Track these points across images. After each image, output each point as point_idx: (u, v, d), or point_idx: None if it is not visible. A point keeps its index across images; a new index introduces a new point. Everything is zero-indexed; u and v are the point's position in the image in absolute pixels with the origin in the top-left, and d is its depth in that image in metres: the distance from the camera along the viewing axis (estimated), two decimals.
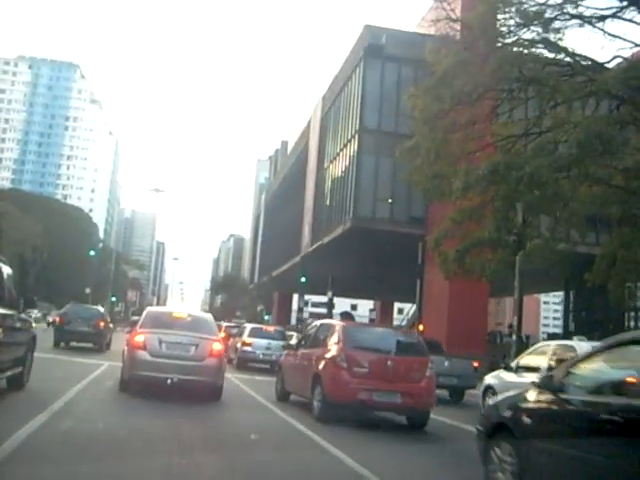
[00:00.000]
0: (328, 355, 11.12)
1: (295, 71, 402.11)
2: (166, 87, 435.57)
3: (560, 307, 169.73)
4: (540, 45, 18.95)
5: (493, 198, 19.25)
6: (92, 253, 60.03)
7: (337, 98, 41.73)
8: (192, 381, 11.87)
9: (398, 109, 35.51)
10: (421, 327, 28.06)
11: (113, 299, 63.42)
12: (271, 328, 28.34)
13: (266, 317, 69.55)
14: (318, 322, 13.68)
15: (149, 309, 14.43)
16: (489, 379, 15.20)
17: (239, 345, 23.86)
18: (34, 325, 13.52)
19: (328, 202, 41.62)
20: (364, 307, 64.81)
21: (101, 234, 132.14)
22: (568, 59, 18.84)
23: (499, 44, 18.93)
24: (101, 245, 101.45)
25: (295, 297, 71.66)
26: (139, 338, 12.08)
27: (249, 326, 26.61)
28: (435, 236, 21.83)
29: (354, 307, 77.07)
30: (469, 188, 17.82)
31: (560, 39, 18.23)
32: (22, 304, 11.18)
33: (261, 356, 23.45)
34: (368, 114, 35.56)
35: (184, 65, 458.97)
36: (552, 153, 16.62)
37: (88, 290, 56.22)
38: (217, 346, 12.33)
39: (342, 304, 64.61)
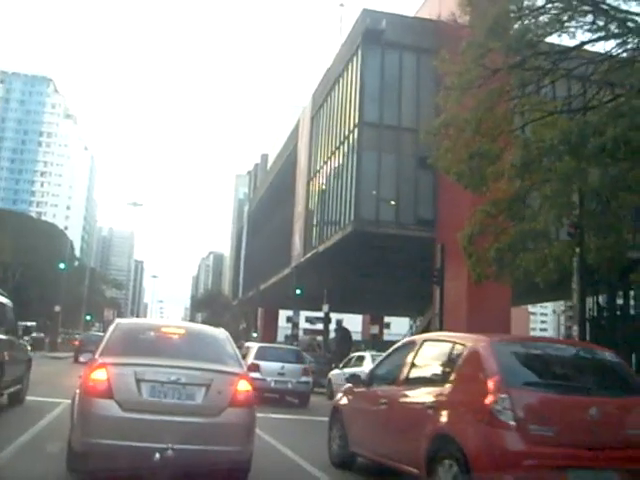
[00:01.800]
0: (464, 398, 6.47)
1: (273, 85, 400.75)
2: (143, 101, 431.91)
3: (549, 318, 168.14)
4: None
5: (534, 182, 16.03)
6: (62, 266, 55.78)
7: (331, 92, 38.24)
8: (200, 454, 6.83)
9: (400, 100, 32.41)
10: None
11: (88, 318, 59.33)
12: (284, 348, 24.44)
13: (254, 335, 65.73)
14: (406, 339, 8.98)
15: (119, 322, 8.63)
16: None
17: None
18: (29, 349, 15.43)
19: (323, 207, 38.03)
20: (351, 322, 61.19)
21: (77, 252, 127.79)
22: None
23: None
24: (77, 263, 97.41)
25: (282, 313, 68.45)
26: (99, 375, 6.87)
27: (255, 345, 21.67)
28: (467, 232, 18.29)
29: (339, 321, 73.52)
30: (529, 164, 14.30)
31: None
32: (21, 331, 13.59)
33: (273, 384, 18.84)
34: (368, 106, 32.08)
35: (160, 79, 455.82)
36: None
37: (58, 308, 52.33)
38: (244, 386, 7.30)
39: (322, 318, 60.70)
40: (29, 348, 15.87)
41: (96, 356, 7.43)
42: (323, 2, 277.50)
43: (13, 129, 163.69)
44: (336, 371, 24.47)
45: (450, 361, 6.98)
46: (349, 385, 9.48)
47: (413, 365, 7.71)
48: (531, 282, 20.28)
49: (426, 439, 6.54)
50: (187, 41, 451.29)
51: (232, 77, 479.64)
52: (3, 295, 12.94)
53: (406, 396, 7.55)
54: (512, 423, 5.83)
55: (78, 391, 7.29)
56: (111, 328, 8.24)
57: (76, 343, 39.19)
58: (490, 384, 6.11)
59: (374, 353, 23.19)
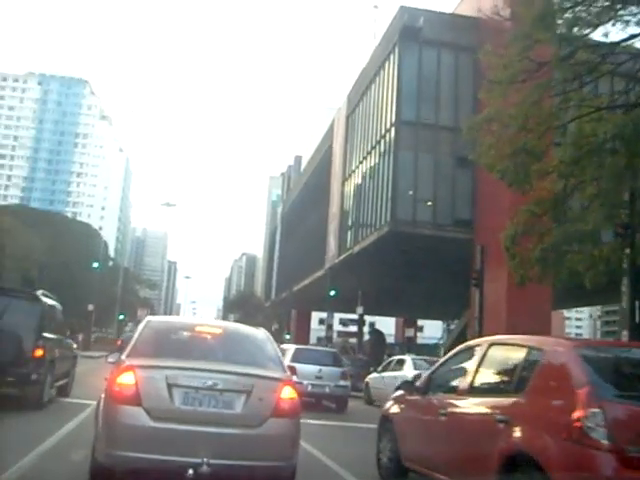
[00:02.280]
0: (545, 411, 5.47)
1: (307, 87, 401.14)
2: (178, 104, 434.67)
3: (584, 322, 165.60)
4: None
5: (582, 180, 15.36)
6: (95, 265, 56.02)
7: (366, 91, 37.70)
8: (238, 470, 6.14)
9: (438, 98, 31.80)
10: None
11: (121, 317, 59.45)
12: (321, 350, 23.79)
13: (287, 336, 65.33)
14: (468, 343, 7.90)
15: (150, 320, 7.78)
16: None
17: None
18: (74, 346, 16.88)
19: (358, 207, 37.48)
20: (383, 324, 60.41)
21: (111, 252, 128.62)
22: None
23: None
24: (111, 263, 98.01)
25: (314, 315, 68.04)
26: (126, 379, 6.16)
27: (292, 347, 20.91)
28: (510, 233, 17.64)
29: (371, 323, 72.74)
30: (579, 160, 13.64)
31: None
32: (68, 331, 15.53)
33: (309, 388, 17.99)
34: (405, 105, 31.50)
35: (195, 81, 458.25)
36: None
37: (91, 307, 52.47)
38: (289, 393, 6.54)
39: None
40: (74, 346, 17.46)
41: (123, 357, 6.70)
42: (357, 5, 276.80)
43: (50, 130, 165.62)
44: (374, 375, 23.86)
45: (524, 368, 6.02)
46: (401, 392, 8.59)
47: (478, 372, 6.77)
48: (574, 285, 19.62)
49: (497, 457, 5.57)
50: (223, 43, 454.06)
51: (266, 79, 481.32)
52: (52, 298, 14.46)
53: (471, 407, 6.65)
54: (606, 443, 4.91)
55: (103, 396, 6.57)
56: (141, 326, 7.44)
57: (118, 343, 38.76)
58: (578, 396, 5.17)
59: (414, 357, 22.60)
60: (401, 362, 21.81)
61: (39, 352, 12.29)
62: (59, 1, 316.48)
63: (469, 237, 29.11)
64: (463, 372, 6.98)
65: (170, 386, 6.12)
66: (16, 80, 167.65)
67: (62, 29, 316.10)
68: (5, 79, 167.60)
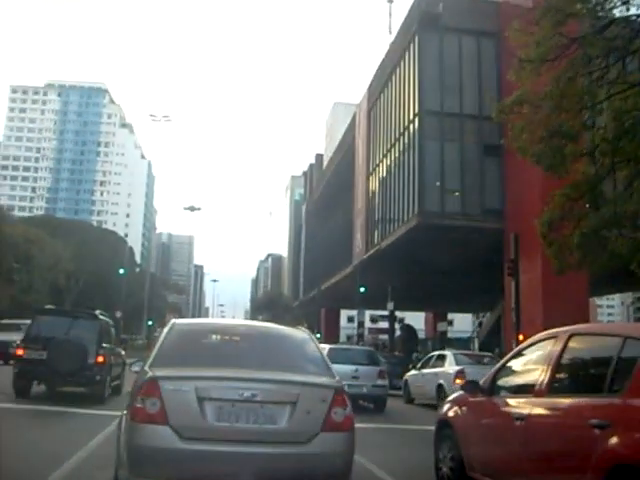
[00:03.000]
0: None
1: (324, 85, 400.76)
2: (198, 107, 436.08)
3: (615, 310, 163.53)
4: None
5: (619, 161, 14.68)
6: (122, 271, 56.12)
7: (387, 83, 37.10)
8: None
9: (461, 86, 31.14)
10: (521, 338, 23.00)
11: (149, 323, 59.25)
12: (356, 349, 23.13)
13: (317, 335, 64.86)
14: (542, 334, 6.42)
15: (176, 322, 6.80)
16: None
17: None
18: (123, 353, 20.19)
19: (384, 201, 36.88)
20: (413, 320, 59.57)
21: (138, 259, 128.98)
22: None
23: None
24: (138, 270, 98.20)
25: (343, 313, 67.51)
26: (149, 393, 5.28)
27: (325, 347, 19.18)
28: (545, 219, 16.96)
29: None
30: (620, 138, 12.97)
31: None
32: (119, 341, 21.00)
33: (346, 388, 16.78)
34: (428, 94, 30.88)
35: (215, 83, 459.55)
36: None
37: (119, 314, 52.35)
38: (341, 402, 5.61)
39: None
40: (123, 353, 20.61)
41: (146, 367, 5.78)
42: (371, 2, 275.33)
43: (72, 141, 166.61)
44: (413, 372, 23.00)
45: (621, 362, 4.99)
46: (460, 393, 7.61)
47: (558, 367, 5.71)
48: (612, 271, 18.94)
49: (593, 469, 4.59)
50: (243, 44, 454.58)
51: (283, 79, 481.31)
52: (105, 316, 18.60)
53: (554, 409, 5.58)
54: None
55: (125, 412, 5.69)
56: (165, 330, 6.50)
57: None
58: None
59: (455, 352, 21.72)
60: (442, 358, 20.87)
61: (100, 359, 15.68)
62: (71, 8, 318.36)
63: (499, 226, 28.44)
64: (538, 369, 5.99)
65: (201, 400, 5.26)
66: (36, 92, 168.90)
67: (78, 37, 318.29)
68: (25, 92, 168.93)
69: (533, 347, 6.53)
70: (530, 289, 25.12)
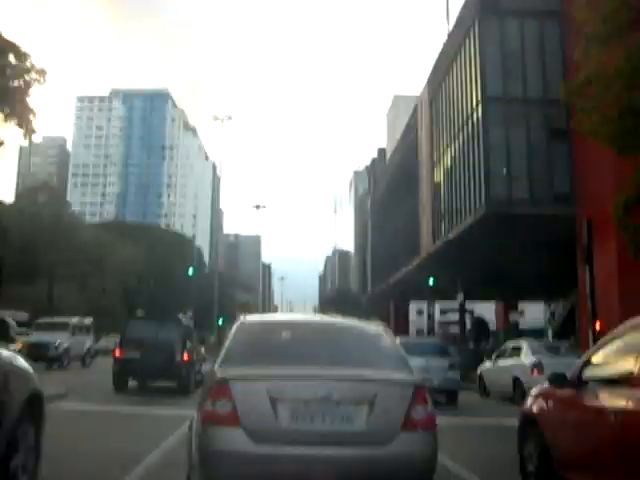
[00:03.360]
0: None
1: (385, 77, 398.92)
2: (260, 104, 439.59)
3: None
4: None
5: None
6: (190, 272, 56.90)
7: (448, 71, 36.44)
8: None
9: (525, 70, 30.32)
10: (598, 326, 22.28)
11: (220, 322, 59.89)
12: (427, 341, 23.01)
13: None
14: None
15: (244, 320, 6.51)
16: None
17: None
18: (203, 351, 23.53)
19: (450, 192, 36.31)
20: (482, 310, 58.52)
21: (206, 259, 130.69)
22: None
23: None
24: (206, 270, 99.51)
25: (412, 306, 66.92)
26: (220, 394, 5.07)
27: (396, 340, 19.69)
28: (620, 201, 16.35)
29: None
30: None
31: None
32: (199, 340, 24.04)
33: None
34: (490, 80, 30.19)
35: (275, 82, 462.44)
36: None
37: (189, 314, 53.10)
38: (421, 399, 5.29)
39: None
40: (203, 350, 23.72)
41: (215, 367, 5.58)
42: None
43: (138, 146, 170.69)
44: (488, 364, 22.48)
45: None
46: (545, 386, 7.05)
47: None
48: None
49: None
50: (302, 41, 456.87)
51: (341, 75, 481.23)
52: (187, 320, 22.91)
53: None
54: None
55: (195, 415, 5.54)
56: (234, 328, 6.23)
57: None
58: None
59: (532, 341, 21.05)
60: (517, 349, 20.31)
61: (185, 356, 18.55)
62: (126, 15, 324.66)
63: (570, 212, 27.56)
64: (635, 357, 5.36)
65: (274, 400, 5.01)
66: (102, 101, 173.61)
67: (138, 44, 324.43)
68: (91, 101, 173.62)
69: (627, 335, 5.91)
70: (605, 275, 24.26)
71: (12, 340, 19.12)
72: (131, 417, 12.65)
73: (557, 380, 6.63)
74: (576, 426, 6.11)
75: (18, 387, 5.25)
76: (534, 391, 7.45)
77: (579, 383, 6.24)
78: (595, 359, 6.35)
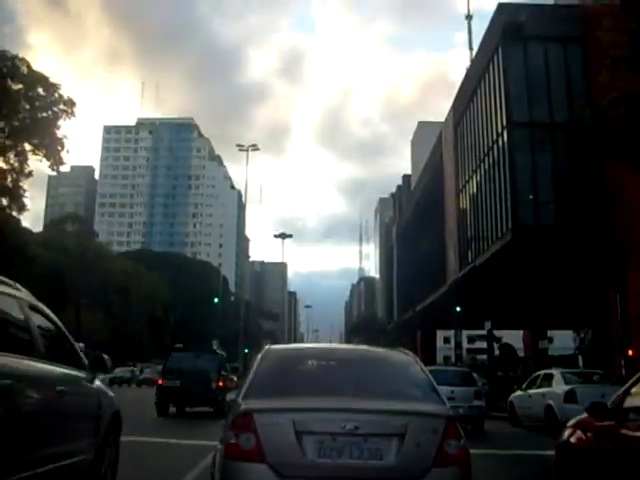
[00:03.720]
0: None
1: (407, 104, 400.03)
2: (284, 132, 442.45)
3: None
4: None
5: None
6: (216, 300, 57.23)
7: (473, 97, 36.41)
8: None
9: (550, 95, 30.18)
10: (630, 352, 21.85)
11: (246, 350, 59.92)
12: (452, 370, 22.95)
13: None
14: None
15: (269, 349, 6.42)
16: None
17: None
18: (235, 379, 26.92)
19: (476, 218, 36.06)
20: (510, 338, 57.81)
21: (232, 288, 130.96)
22: None
23: None
24: (232, 298, 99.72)
25: (439, 334, 66.33)
26: (244, 428, 4.88)
27: None
28: None
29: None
30: None
31: None
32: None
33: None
34: (515, 105, 30.06)
35: (300, 106, 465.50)
36: None
37: (216, 343, 53.18)
38: (454, 433, 5.02)
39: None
40: (235, 379, 26.02)
41: (239, 399, 5.37)
42: (449, 19, 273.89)
43: (164, 176, 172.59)
44: (519, 393, 22.09)
45: None
46: (584, 417, 6.73)
47: None
48: None
49: None
50: (322, 66, 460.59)
51: (366, 102, 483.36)
52: (221, 349, 26.14)
53: None
54: None
55: (219, 447, 5.28)
56: (259, 357, 6.06)
57: None
58: None
59: (563, 370, 20.63)
60: (548, 377, 19.92)
61: (220, 383, 20.54)
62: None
63: (598, 237, 27.22)
64: None
65: (299, 434, 4.80)
66: (129, 132, 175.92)
67: (162, 74, 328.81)
68: (118, 132, 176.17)
69: None
70: (638, 301, 23.87)
71: (108, 372, 22.75)
72: (151, 446, 12.23)
73: (597, 410, 6.31)
74: (618, 460, 5.76)
75: (107, 407, 7.03)
76: (572, 422, 7.15)
77: (621, 413, 5.94)
78: (636, 388, 6.04)
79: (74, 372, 6.38)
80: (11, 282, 5.58)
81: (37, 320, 5.78)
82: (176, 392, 19.97)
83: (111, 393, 7.50)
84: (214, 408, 20.20)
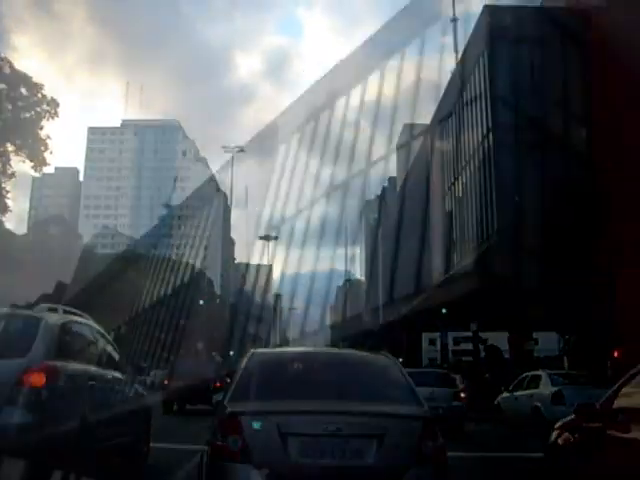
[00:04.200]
0: None
1: (396, 106, 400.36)
2: (270, 135, 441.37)
3: None
4: None
5: None
6: (201, 303, 57.11)
7: (458, 100, 36.55)
8: None
9: (536, 97, 30.39)
10: (616, 354, 21.89)
11: (231, 353, 59.77)
12: (431, 371, 23.19)
13: (400, 360, 63.74)
14: None
15: (254, 352, 6.58)
16: None
17: None
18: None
19: (462, 221, 36.15)
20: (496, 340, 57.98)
21: (217, 290, 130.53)
22: None
23: None
24: (218, 301, 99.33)
25: (424, 336, 66.34)
26: (230, 430, 5.02)
27: None
28: None
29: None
30: None
31: None
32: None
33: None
34: (500, 107, 30.23)
35: (285, 107, 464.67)
36: None
37: (200, 346, 52.91)
38: (432, 434, 5.19)
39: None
40: (229, 381, 29.20)
41: (225, 402, 5.52)
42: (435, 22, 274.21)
43: (149, 178, 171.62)
44: (505, 395, 22.10)
45: None
46: (572, 418, 6.60)
47: None
48: None
49: None
50: (308, 69, 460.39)
51: (349, 106, 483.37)
52: (219, 356, 28.01)
53: None
54: None
55: (205, 449, 5.41)
56: (244, 361, 6.24)
57: None
58: None
59: (550, 372, 20.62)
60: (536, 378, 19.88)
61: (218, 384, 22.15)
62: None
63: (588, 240, 27.27)
64: None
65: (284, 435, 4.94)
66: (113, 133, 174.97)
67: (146, 76, 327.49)
68: (103, 133, 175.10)
69: None
70: (625, 303, 23.88)
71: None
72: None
73: (585, 411, 6.24)
74: (607, 461, 5.68)
75: (142, 403, 9.86)
76: (559, 423, 7.09)
77: (609, 416, 5.85)
78: (626, 389, 5.93)
79: (121, 376, 9.07)
80: (85, 315, 8.45)
81: (101, 341, 8.77)
82: (180, 392, 22.51)
83: (144, 392, 10.21)
84: (213, 407, 22.34)
